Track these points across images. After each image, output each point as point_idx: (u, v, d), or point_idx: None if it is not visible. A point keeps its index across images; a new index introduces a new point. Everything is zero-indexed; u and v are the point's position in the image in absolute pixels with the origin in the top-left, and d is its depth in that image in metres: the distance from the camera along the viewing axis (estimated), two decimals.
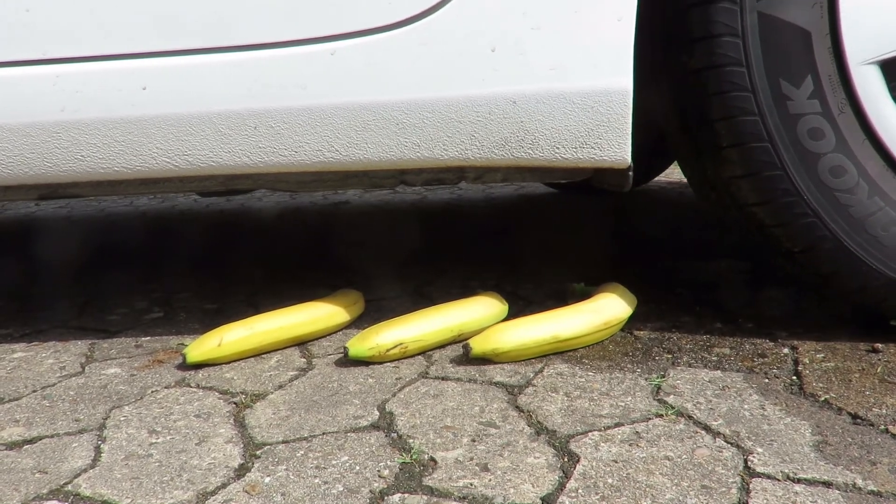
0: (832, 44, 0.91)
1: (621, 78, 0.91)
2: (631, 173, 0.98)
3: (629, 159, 0.95)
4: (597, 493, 0.68)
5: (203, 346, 1.05)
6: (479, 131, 0.93)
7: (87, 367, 1.09)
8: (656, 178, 2.72)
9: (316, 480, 0.73)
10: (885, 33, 0.91)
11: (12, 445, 0.84)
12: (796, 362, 0.97)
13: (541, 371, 0.98)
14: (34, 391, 1.00)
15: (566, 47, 0.90)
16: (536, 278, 1.52)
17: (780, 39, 0.91)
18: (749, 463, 0.73)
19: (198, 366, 1.05)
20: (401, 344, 1.03)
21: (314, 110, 0.93)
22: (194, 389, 0.98)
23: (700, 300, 1.28)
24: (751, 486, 0.69)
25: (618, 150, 0.94)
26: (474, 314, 1.13)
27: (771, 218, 0.95)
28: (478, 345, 1.00)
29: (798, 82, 0.91)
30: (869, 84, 0.92)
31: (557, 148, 0.94)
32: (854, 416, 0.82)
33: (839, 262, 0.95)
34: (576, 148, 0.93)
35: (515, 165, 0.97)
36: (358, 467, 0.75)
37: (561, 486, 0.70)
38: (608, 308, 1.08)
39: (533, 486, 0.70)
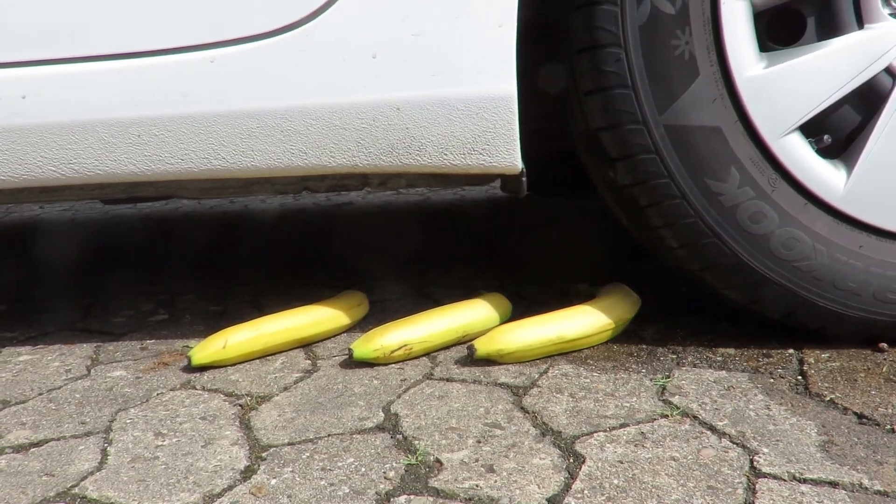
0: (745, 128, 0.93)
1: (505, 84, 0.90)
2: (524, 179, 0.98)
3: (520, 165, 0.95)
4: (602, 494, 0.68)
5: (208, 348, 1.05)
6: (365, 138, 0.93)
7: (92, 370, 1.09)
8: None
9: (322, 482, 0.73)
10: (795, 104, 0.92)
11: (19, 448, 0.84)
12: (801, 362, 0.97)
13: (545, 372, 0.98)
14: (40, 394, 1.01)
15: (448, 53, 0.90)
16: (540, 279, 1.52)
17: (693, 143, 0.93)
18: (755, 463, 0.73)
19: (203, 368, 1.06)
20: (405, 345, 1.03)
21: (197, 118, 0.93)
22: (199, 392, 0.99)
23: (705, 300, 1.28)
24: (757, 486, 0.68)
25: (507, 156, 0.93)
26: (479, 315, 1.13)
27: (745, 299, 1.00)
28: (483, 346, 1.00)
29: (724, 176, 0.93)
30: (793, 152, 0.94)
31: (446, 154, 0.93)
32: (860, 416, 0.82)
33: (822, 319, 0.99)
34: (464, 154, 0.93)
35: (406, 172, 0.97)
36: (363, 469, 0.75)
37: (567, 487, 0.70)
38: (613, 308, 1.08)
39: (538, 487, 0.70)
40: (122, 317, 1.39)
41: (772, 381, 0.92)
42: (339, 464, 0.77)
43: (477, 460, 0.76)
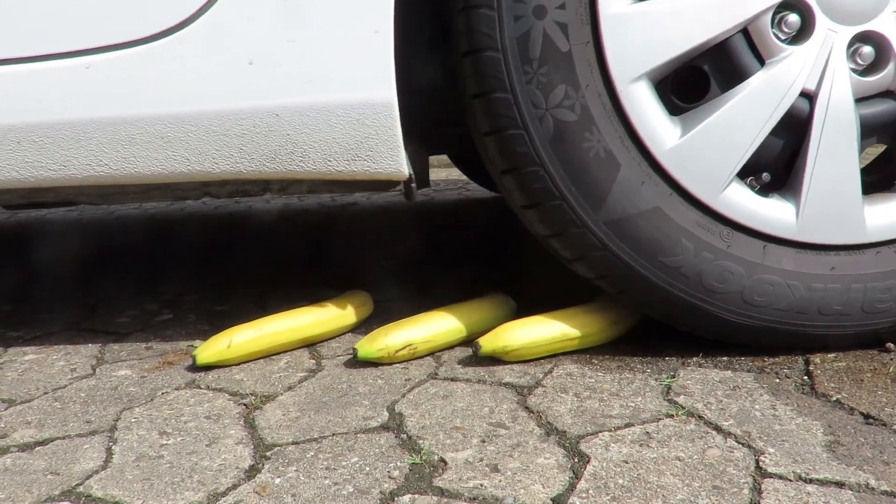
0: (683, 198, 0.93)
1: (383, 90, 0.90)
2: (413, 185, 0.98)
3: (406, 171, 0.95)
4: (607, 494, 0.68)
5: (213, 347, 1.05)
6: (247, 145, 0.92)
7: (97, 369, 1.10)
8: None
9: (326, 481, 0.73)
10: (723, 160, 0.92)
11: (24, 447, 0.84)
12: (807, 362, 0.97)
13: (550, 371, 0.98)
14: (45, 393, 1.01)
15: (324, 60, 0.90)
16: (544, 278, 1.51)
17: (638, 229, 0.93)
18: (760, 463, 0.72)
19: (208, 367, 1.06)
20: (410, 345, 1.03)
21: (75, 125, 0.92)
22: (204, 391, 0.99)
23: None
24: (762, 486, 0.68)
25: (392, 162, 0.93)
26: (483, 315, 1.12)
27: (752, 348, 1.01)
28: (487, 343, 1.00)
29: (677, 250, 0.94)
30: (737, 201, 0.94)
31: (329, 161, 0.93)
32: (866, 416, 0.81)
33: (821, 342, 0.99)
34: (348, 161, 0.93)
35: (291, 178, 0.97)
36: (368, 468, 0.75)
37: (571, 487, 0.70)
38: (617, 307, 1.07)
39: (543, 487, 0.70)
40: (126, 316, 1.40)
41: (777, 381, 0.92)
42: (344, 463, 0.77)
43: (481, 460, 0.76)
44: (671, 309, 0.97)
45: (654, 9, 0.89)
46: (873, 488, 0.68)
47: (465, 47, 0.91)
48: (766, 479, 0.69)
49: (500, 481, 0.71)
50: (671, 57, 0.90)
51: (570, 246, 0.96)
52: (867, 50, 0.91)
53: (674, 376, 0.94)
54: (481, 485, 0.71)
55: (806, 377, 0.92)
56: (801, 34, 0.91)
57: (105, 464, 0.79)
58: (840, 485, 0.68)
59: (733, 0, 0.89)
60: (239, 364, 1.07)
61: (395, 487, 0.71)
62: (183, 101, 0.91)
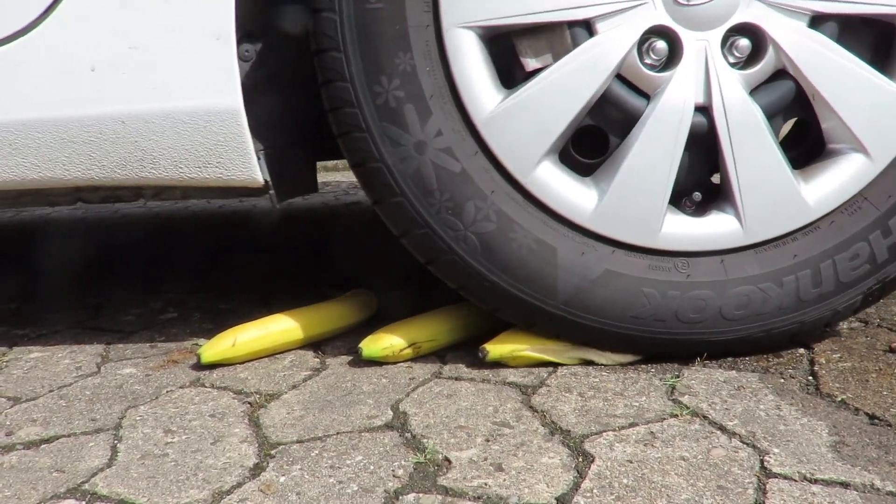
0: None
1: (228, 97, 0.90)
2: (272, 192, 0.97)
3: (260, 177, 0.94)
4: (612, 494, 0.68)
5: (217, 346, 1.05)
6: (95, 151, 0.92)
7: (102, 368, 1.10)
8: None
9: (331, 480, 0.73)
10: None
11: (30, 445, 0.84)
12: (812, 362, 0.97)
13: (554, 371, 0.98)
14: (51, 391, 1.01)
15: (167, 66, 0.89)
16: None
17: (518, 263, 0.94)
18: (765, 463, 0.72)
19: (212, 366, 1.06)
20: (414, 344, 1.03)
21: None
22: (209, 389, 0.99)
23: None
24: (767, 486, 0.68)
25: (244, 169, 0.93)
26: (486, 313, 1.13)
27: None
28: (495, 350, 0.99)
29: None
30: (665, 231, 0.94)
31: (181, 167, 0.93)
32: (871, 417, 0.81)
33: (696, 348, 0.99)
34: (199, 167, 0.93)
35: (144, 185, 0.96)
36: (372, 467, 0.75)
37: (576, 486, 0.70)
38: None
39: (547, 486, 0.70)
40: (131, 315, 1.40)
41: (782, 381, 0.91)
42: (348, 461, 0.77)
43: (486, 459, 0.76)
44: (664, 349, 0.98)
45: (521, 100, 0.89)
46: (878, 489, 0.67)
47: (374, 198, 0.94)
48: (770, 480, 0.69)
49: (504, 480, 0.71)
50: (559, 131, 0.90)
51: (547, 329, 0.98)
52: (743, 43, 0.91)
53: (678, 376, 0.94)
54: (485, 484, 0.71)
55: (811, 377, 0.92)
56: (673, 55, 0.91)
57: (110, 461, 0.79)
58: (845, 485, 0.68)
59: (593, 60, 0.89)
60: (243, 363, 1.07)
61: (400, 486, 0.71)
62: (27, 108, 0.91)
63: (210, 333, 1.22)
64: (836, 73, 0.90)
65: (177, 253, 2.10)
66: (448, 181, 0.90)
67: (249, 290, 1.56)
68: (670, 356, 0.99)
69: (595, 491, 0.69)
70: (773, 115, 0.94)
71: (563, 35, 0.90)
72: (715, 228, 0.94)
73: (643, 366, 0.98)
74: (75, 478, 0.76)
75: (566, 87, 0.89)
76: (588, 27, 0.89)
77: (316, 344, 1.14)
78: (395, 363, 1.04)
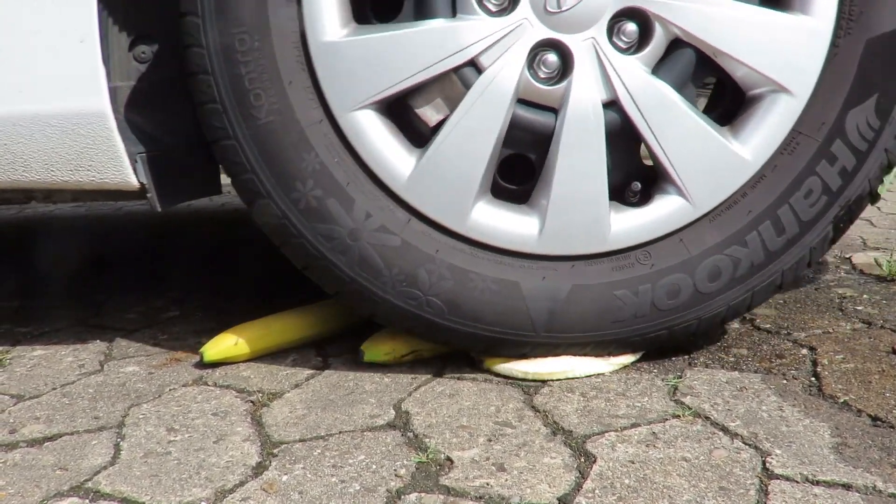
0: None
1: (94, 99, 0.89)
2: (150, 195, 0.96)
3: (134, 181, 0.93)
4: (613, 494, 0.68)
5: (220, 345, 1.06)
6: None
7: (105, 366, 1.10)
8: None
9: (333, 479, 0.73)
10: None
11: (33, 442, 0.85)
12: (815, 363, 0.97)
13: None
14: (54, 388, 1.01)
15: (30, 69, 0.89)
16: None
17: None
18: (767, 464, 0.72)
19: (214, 364, 1.06)
20: (415, 351, 1.03)
21: None
22: (211, 388, 0.99)
23: None
24: (769, 487, 0.68)
25: (116, 172, 0.92)
26: None
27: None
28: (491, 363, 0.99)
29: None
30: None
31: (52, 170, 0.92)
32: (874, 418, 0.81)
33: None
34: (72, 171, 0.92)
35: (17, 188, 0.96)
36: (374, 466, 0.75)
37: (578, 487, 0.70)
38: None
39: (549, 487, 0.70)
40: (134, 313, 1.40)
41: (785, 382, 0.91)
42: (351, 461, 0.77)
43: (488, 458, 0.76)
44: (660, 342, 0.98)
45: (433, 156, 0.90)
46: (881, 490, 0.67)
47: (334, 291, 0.95)
48: (772, 481, 0.69)
49: (506, 480, 0.71)
50: (480, 174, 0.90)
51: (543, 356, 0.97)
52: (630, 27, 0.90)
53: (680, 377, 0.94)
54: (487, 484, 0.71)
55: (813, 378, 0.92)
56: (566, 63, 0.91)
57: (113, 459, 0.80)
58: (847, 487, 0.68)
59: (488, 96, 0.88)
60: (246, 361, 1.07)
61: (402, 486, 0.72)
62: None
63: (212, 332, 1.22)
64: (730, 25, 0.89)
65: (178, 251, 2.10)
66: (392, 256, 0.91)
67: (252, 289, 1.56)
68: (673, 347, 0.99)
69: (597, 491, 0.69)
70: (684, 85, 0.93)
71: (453, 81, 0.90)
72: (663, 211, 0.93)
73: (645, 366, 0.98)
74: (78, 476, 0.76)
75: (471, 130, 0.89)
76: (474, 65, 0.89)
77: (318, 343, 1.14)
78: (398, 364, 1.04)
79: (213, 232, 2.38)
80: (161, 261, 1.95)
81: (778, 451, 0.75)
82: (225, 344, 1.06)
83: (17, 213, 3.15)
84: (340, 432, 0.84)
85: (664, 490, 0.68)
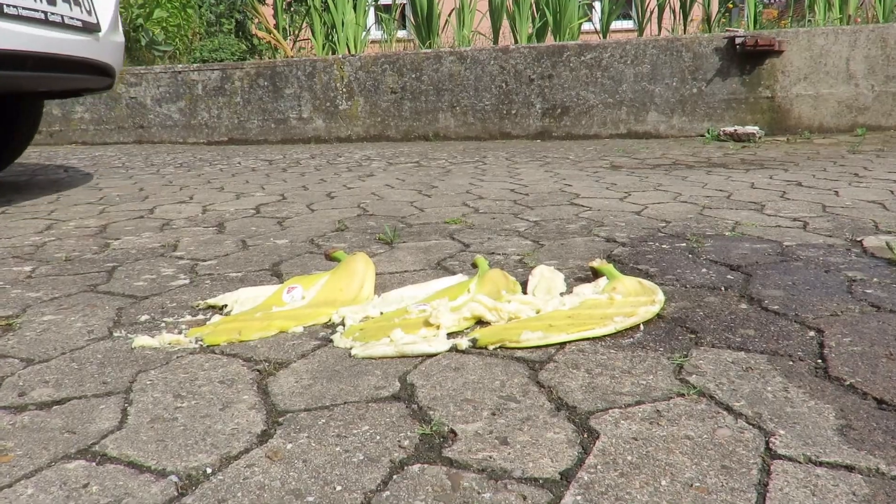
0: None
1: None
2: None
3: None
4: (616, 470, 0.68)
5: (221, 335, 1.05)
6: None
7: (114, 332, 1.11)
8: None
9: (337, 448, 0.74)
10: None
11: (41, 405, 0.86)
12: (822, 345, 0.96)
13: (563, 347, 0.98)
14: (63, 353, 1.02)
15: None
16: (557, 253, 1.51)
17: None
18: (770, 445, 0.72)
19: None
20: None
21: None
22: (218, 356, 1.00)
23: (725, 281, 1.27)
24: (772, 467, 0.68)
25: None
26: (490, 295, 1.13)
27: None
28: (486, 339, 1.00)
29: None
30: None
31: None
32: (879, 402, 0.81)
33: None
34: None
35: None
36: (378, 437, 0.76)
37: (580, 462, 0.70)
38: (637, 314, 1.06)
39: (552, 461, 0.70)
40: (143, 280, 1.41)
41: (791, 363, 0.91)
42: (355, 431, 0.77)
43: (491, 432, 0.76)
44: None
45: None
46: (884, 473, 0.67)
47: None
48: (775, 461, 0.69)
49: (508, 454, 0.72)
50: None
51: None
52: None
53: (686, 356, 0.94)
54: (490, 457, 0.71)
55: (820, 360, 0.92)
56: None
57: (120, 424, 0.80)
58: (850, 469, 0.68)
59: None
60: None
61: (405, 457, 0.72)
62: None
63: (219, 302, 1.23)
64: None
65: (187, 219, 2.10)
66: None
67: (260, 259, 1.56)
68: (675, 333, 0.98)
69: (599, 467, 0.69)
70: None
71: None
72: None
73: (651, 344, 0.98)
74: (86, 439, 0.77)
75: None
76: None
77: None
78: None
79: (221, 199, 2.37)
80: (169, 228, 1.95)
81: (782, 432, 0.74)
82: (227, 335, 1.05)
83: (28, 178, 3.16)
84: (345, 403, 0.84)
85: (666, 467, 0.69)
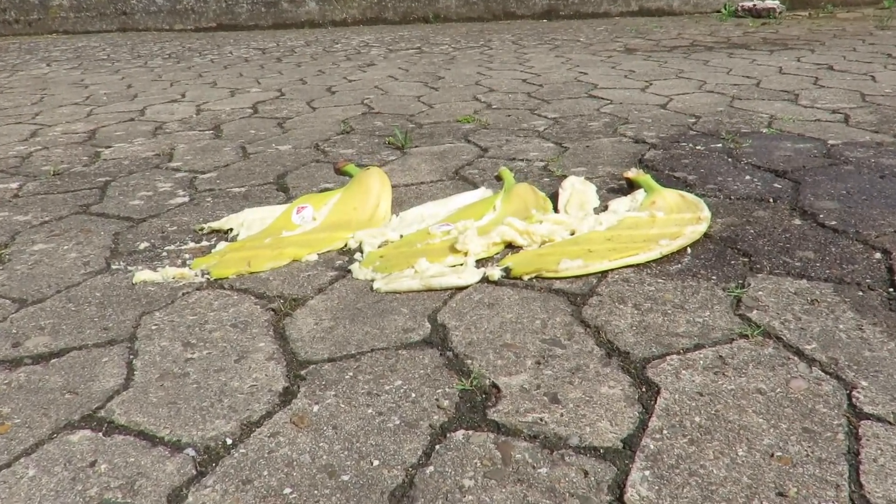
0: None
1: None
2: None
3: None
4: (684, 436, 0.61)
5: (229, 267, 0.96)
6: None
7: (112, 263, 1.02)
8: None
9: (369, 410, 0.66)
10: None
11: (38, 358, 0.78)
12: (891, 270, 0.87)
13: (605, 276, 0.89)
14: (58, 291, 0.94)
15: None
16: (583, 158, 1.40)
17: None
18: (854, 400, 0.64)
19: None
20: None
21: None
22: (228, 293, 0.91)
23: (772, 191, 1.16)
24: (860, 430, 0.61)
25: None
26: (518, 213, 1.04)
27: None
28: (520, 268, 0.90)
29: None
30: None
31: None
32: None
33: None
34: None
35: None
36: (413, 394, 0.68)
37: (643, 425, 0.63)
38: (683, 235, 0.96)
39: (611, 425, 0.63)
40: (139, 199, 1.30)
41: (861, 294, 0.83)
42: (387, 387, 0.70)
43: (538, 387, 0.68)
44: None
45: None
46: None
47: None
48: (862, 422, 0.62)
49: (561, 415, 0.64)
50: None
51: None
52: None
53: (743, 285, 0.86)
54: (541, 419, 0.64)
55: (892, 290, 0.83)
56: None
57: (126, 382, 0.73)
58: None
59: None
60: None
61: (446, 420, 0.65)
62: None
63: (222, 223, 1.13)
64: None
65: (184, 124, 1.97)
66: None
67: (264, 170, 1.45)
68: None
69: (665, 432, 0.62)
70: None
71: None
72: None
73: (702, 272, 0.90)
74: (90, 402, 0.70)
75: None
76: None
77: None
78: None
79: (222, 107, 2.23)
80: (164, 135, 1.82)
81: (864, 383, 0.67)
82: (236, 267, 0.97)
83: (9, 75, 2.98)
84: (373, 350, 0.76)
85: (741, 432, 0.61)
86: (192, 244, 1.08)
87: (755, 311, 0.80)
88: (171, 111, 2.15)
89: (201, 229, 1.13)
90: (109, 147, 1.72)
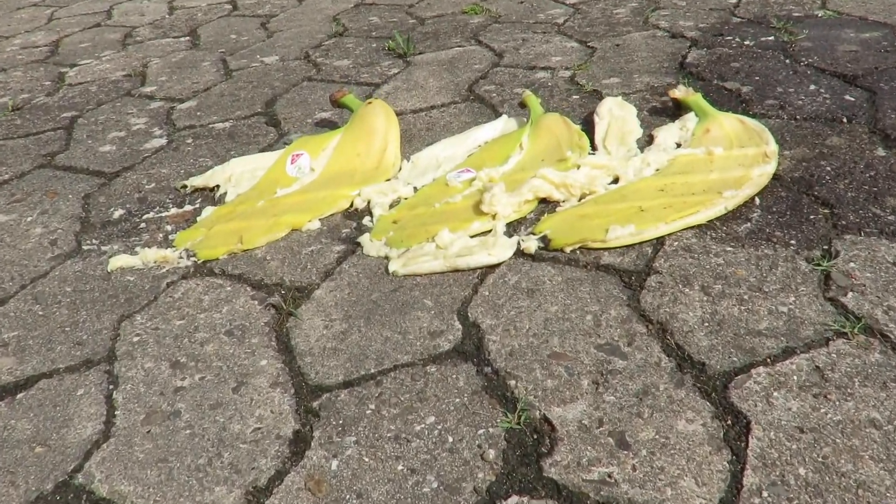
0: None
1: None
2: None
3: None
4: (790, 501, 0.49)
5: (219, 247, 0.82)
6: None
7: (83, 242, 0.88)
8: None
9: (399, 467, 0.55)
10: None
11: (3, 393, 0.66)
12: None
13: (661, 247, 0.75)
14: (23, 287, 0.81)
15: None
16: (615, 65, 1.21)
17: None
18: None
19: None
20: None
21: None
22: (220, 281, 0.78)
23: (844, 106, 0.99)
24: None
25: None
26: (548, 154, 0.88)
27: None
28: (561, 239, 0.76)
29: None
30: None
31: None
32: None
33: None
34: None
35: None
36: (451, 438, 0.57)
37: (736, 483, 0.51)
38: (750, 180, 0.81)
39: (697, 485, 0.51)
40: (110, 142, 1.14)
41: None
42: (417, 427, 0.58)
43: (601, 422, 0.57)
44: None
45: None
46: None
47: None
48: None
49: (633, 469, 0.53)
50: None
51: None
52: None
53: (829, 252, 0.71)
54: (609, 476, 0.52)
55: None
56: None
57: (106, 427, 0.61)
58: None
59: None
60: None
61: (493, 479, 0.53)
62: None
63: (207, 170, 0.97)
64: None
65: (158, 47, 1.75)
66: None
67: (251, 98, 1.26)
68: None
69: (766, 494, 0.50)
70: None
71: None
72: None
73: (777, 233, 0.75)
74: (64, 460, 0.58)
75: None
76: None
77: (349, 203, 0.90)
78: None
79: (202, 26, 1.99)
80: (136, 56, 1.61)
81: None
82: (226, 245, 0.83)
83: None
84: (396, 367, 0.64)
85: (857, 491, 0.50)
86: (174, 209, 0.93)
87: (850, 294, 0.66)
88: (140, 11, 1.92)
89: (184, 187, 0.98)
90: (75, 66, 1.53)
